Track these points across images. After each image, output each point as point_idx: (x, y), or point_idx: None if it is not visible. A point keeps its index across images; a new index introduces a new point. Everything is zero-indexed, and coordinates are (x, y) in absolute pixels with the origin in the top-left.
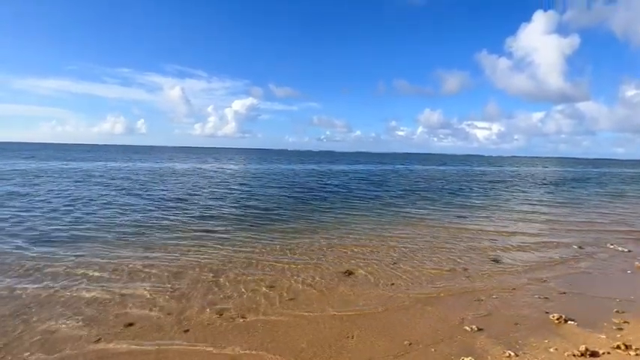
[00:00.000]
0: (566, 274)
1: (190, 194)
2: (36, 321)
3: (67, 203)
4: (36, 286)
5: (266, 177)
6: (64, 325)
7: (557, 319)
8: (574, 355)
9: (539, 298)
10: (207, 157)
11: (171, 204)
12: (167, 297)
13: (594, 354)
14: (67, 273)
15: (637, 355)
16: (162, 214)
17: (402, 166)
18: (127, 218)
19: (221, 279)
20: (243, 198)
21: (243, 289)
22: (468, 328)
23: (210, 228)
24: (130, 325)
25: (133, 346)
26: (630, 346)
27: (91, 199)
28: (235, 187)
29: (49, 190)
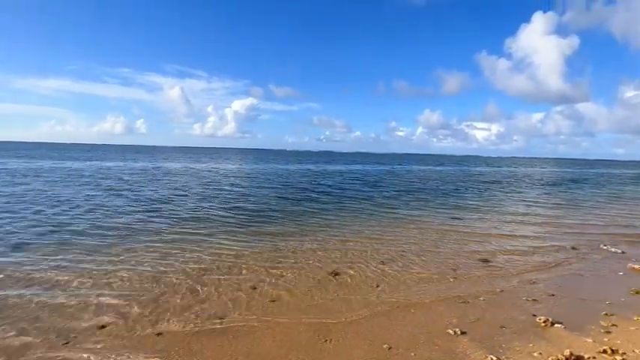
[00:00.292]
0: (556, 275)
1: (179, 195)
2: (2, 325)
3: (50, 204)
4: (5, 293)
5: (260, 177)
6: (34, 330)
7: (544, 322)
8: None
9: (528, 300)
10: (204, 157)
11: (157, 205)
12: (143, 300)
13: (579, 358)
14: (40, 278)
15: (623, 359)
16: (147, 215)
17: (399, 167)
18: (109, 220)
19: (202, 281)
20: (232, 198)
21: (223, 292)
22: (451, 331)
23: (194, 230)
24: (102, 327)
25: (102, 351)
26: (617, 350)
27: (74, 200)
28: (226, 188)
29: (29, 190)
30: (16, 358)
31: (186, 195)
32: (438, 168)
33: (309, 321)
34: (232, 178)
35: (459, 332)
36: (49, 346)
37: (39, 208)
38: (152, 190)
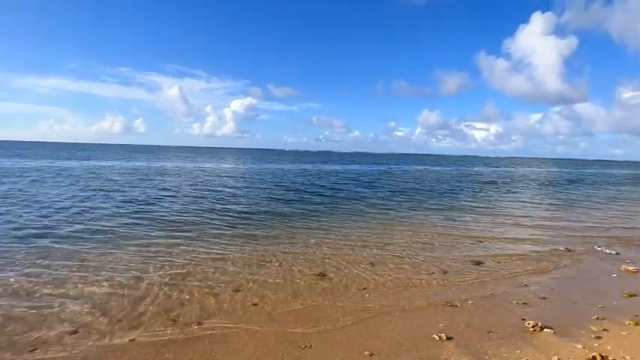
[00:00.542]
0: (549, 278)
1: (168, 196)
2: None
3: (30, 206)
4: None
5: (253, 177)
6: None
7: (533, 326)
8: None
9: (518, 303)
10: (201, 157)
11: (143, 206)
12: (118, 305)
13: None
14: (9, 284)
15: None
16: (130, 218)
17: (396, 167)
18: (91, 222)
19: (183, 285)
20: (222, 199)
21: (204, 296)
22: (436, 336)
23: (178, 232)
24: (73, 333)
25: (70, 358)
26: (606, 357)
27: (58, 202)
28: (217, 188)
29: (10, 191)
30: None
31: (175, 196)
32: (435, 168)
33: (290, 327)
34: (225, 179)
35: (444, 338)
36: (14, 352)
37: (16, 209)
38: (141, 191)
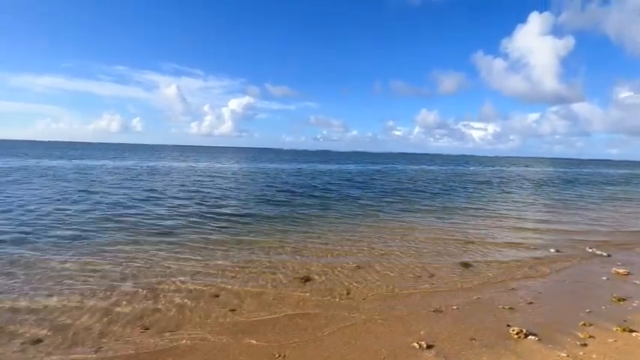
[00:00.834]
0: (537, 281)
1: (154, 197)
2: None
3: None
4: None
5: (246, 177)
6: None
7: (517, 333)
8: None
9: (504, 308)
10: (196, 156)
11: (126, 206)
12: (88, 312)
13: None
14: None
15: None
16: (110, 219)
17: (392, 166)
18: (64, 224)
19: (160, 290)
20: (210, 199)
21: (181, 301)
22: (416, 344)
23: (161, 234)
24: (37, 342)
25: None
26: None
27: (29, 203)
28: (205, 189)
29: None
30: None
31: (161, 197)
32: (430, 167)
33: (266, 336)
34: (217, 179)
35: (424, 346)
36: None
37: None
38: (126, 192)
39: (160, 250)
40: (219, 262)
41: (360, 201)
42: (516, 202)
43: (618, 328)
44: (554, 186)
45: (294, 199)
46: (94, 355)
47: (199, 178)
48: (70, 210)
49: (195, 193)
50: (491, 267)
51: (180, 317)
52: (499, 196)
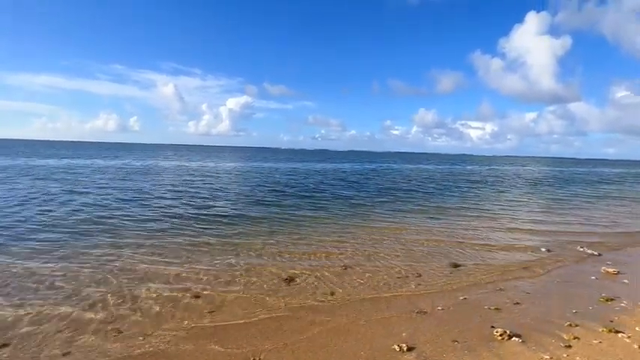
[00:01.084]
0: (526, 281)
1: (143, 195)
2: None
3: None
4: None
5: (239, 177)
6: None
7: (501, 335)
8: None
9: (490, 309)
10: (192, 155)
11: (111, 205)
12: (58, 316)
13: None
14: None
15: None
16: (92, 220)
17: (389, 165)
18: (39, 225)
19: (138, 290)
20: (198, 201)
21: (162, 301)
22: (397, 347)
23: (144, 233)
24: (4, 346)
25: None
26: None
27: (8, 203)
28: (196, 189)
29: None
30: None
31: (148, 198)
32: (427, 167)
33: (243, 340)
34: (209, 178)
35: (405, 348)
36: None
37: None
38: (110, 192)
39: (140, 253)
40: (201, 265)
41: (351, 201)
42: (510, 201)
43: (604, 329)
44: (548, 185)
45: (284, 199)
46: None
47: (190, 178)
48: (50, 211)
49: (184, 193)
50: (481, 267)
51: (157, 318)
52: (492, 195)
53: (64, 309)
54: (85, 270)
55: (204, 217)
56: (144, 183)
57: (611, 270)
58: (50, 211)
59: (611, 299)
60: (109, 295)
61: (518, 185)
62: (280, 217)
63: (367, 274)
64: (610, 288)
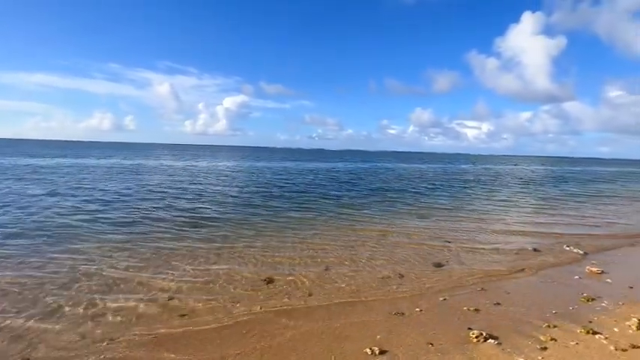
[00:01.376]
0: (508, 281)
1: (124, 197)
2: None
3: None
4: None
5: (229, 176)
6: None
7: (477, 337)
8: None
9: (469, 310)
10: (186, 155)
11: (87, 209)
12: (18, 319)
13: None
14: None
15: None
16: (71, 219)
17: (383, 165)
18: (10, 227)
19: (108, 295)
20: (182, 199)
21: (134, 304)
22: (369, 350)
23: (117, 238)
24: None
25: None
26: None
27: None
28: (182, 190)
29: None
30: None
31: (128, 199)
32: (421, 166)
33: (209, 347)
34: (198, 177)
35: (377, 352)
36: None
37: None
38: (90, 192)
39: (115, 257)
40: (177, 269)
41: (339, 201)
42: (500, 200)
43: (582, 330)
44: (543, 184)
45: (271, 199)
46: None
47: (178, 178)
48: (22, 214)
49: (168, 195)
50: (465, 267)
51: (125, 323)
52: (483, 195)
53: (21, 321)
54: (52, 276)
55: (186, 219)
56: (129, 183)
57: (594, 269)
58: (15, 214)
59: (593, 299)
60: (71, 302)
61: (510, 184)
62: (265, 219)
63: (348, 276)
64: (592, 288)
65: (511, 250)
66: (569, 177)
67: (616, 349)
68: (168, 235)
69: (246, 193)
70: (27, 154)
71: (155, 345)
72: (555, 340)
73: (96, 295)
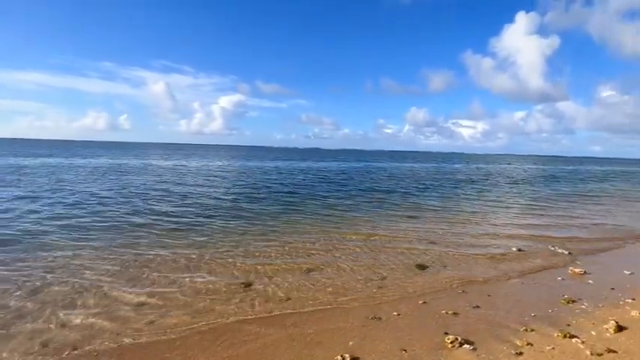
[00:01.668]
0: (491, 283)
1: (106, 199)
2: None
3: None
4: None
5: (218, 176)
6: None
7: (452, 342)
8: None
9: (447, 314)
10: (181, 154)
11: (64, 213)
12: None
13: None
14: None
15: None
16: (47, 223)
17: (376, 164)
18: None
19: (75, 303)
20: (165, 201)
21: (105, 309)
22: (339, 358)
23: (99, 238)
24: None
25: None
26: None
27: None
28: (165, 191)
29: None
30: None
31: (110, 201)
32: (414, 165)
33: (170, 356)
34: (186, 177)
35: (348, 359)
36: None
37: None
38: (73, 192)
39: (81, 266)
40: (152, 276)
41: (328, 201)
42: (490, 200)
43: (559, 334)
44: (535, 183)
45: (258, 200)
46: None
47: (165, 178)
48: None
49: (151, 197)
50: (448, 269)
51: (92, 329)
52: (474, 195)
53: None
54: (18, 284)
55: (166, 224)
56: (112, 184)
57: (577, 270)
58: None
59: (573, 301)
60: (36, 310)
61: (500, 184)
62: (248, 222)
63: (329, 278)
64: (574, 289)
65: (496, 250)
66: (560, 176)
67: (592, 354)
68: (145, 241)
69: (232, 194)
70: (14, 153)
71: (119, 354)
72: (532, 345)
73: (61, 304)
